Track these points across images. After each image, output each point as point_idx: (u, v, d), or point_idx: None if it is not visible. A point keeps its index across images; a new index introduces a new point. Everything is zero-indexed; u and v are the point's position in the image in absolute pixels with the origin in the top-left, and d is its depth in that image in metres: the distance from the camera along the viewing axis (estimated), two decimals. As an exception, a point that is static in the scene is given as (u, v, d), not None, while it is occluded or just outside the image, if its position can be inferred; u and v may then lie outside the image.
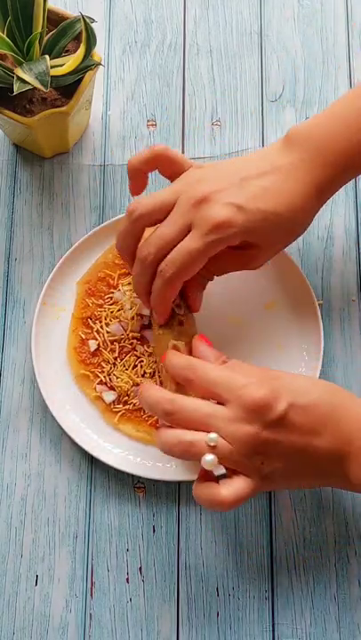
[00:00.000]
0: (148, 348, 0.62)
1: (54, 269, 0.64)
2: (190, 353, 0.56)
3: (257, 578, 0.60)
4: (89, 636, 0.59)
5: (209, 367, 0.52)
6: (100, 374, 0.62)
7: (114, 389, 0.62)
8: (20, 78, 0.57)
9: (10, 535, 0.61)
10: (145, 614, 0.59)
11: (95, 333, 0.63)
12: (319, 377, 0.62)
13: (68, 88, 0.62)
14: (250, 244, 0.54)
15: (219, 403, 0.51)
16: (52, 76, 0.58)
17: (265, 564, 0.60)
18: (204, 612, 0.59)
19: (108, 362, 0.62)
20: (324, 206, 0.67)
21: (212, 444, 0.49)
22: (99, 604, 0.60)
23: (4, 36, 0.58)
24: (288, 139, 0.55)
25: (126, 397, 0.61)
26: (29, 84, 0.56)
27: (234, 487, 0.49)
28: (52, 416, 0.61)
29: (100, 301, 0.64)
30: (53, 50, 0.61)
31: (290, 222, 0.54)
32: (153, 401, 0.52)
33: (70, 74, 0.60)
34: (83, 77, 0.61)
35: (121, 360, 0.62)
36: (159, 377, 0.61)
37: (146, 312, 0.62)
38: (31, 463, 0.62)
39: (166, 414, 0.51)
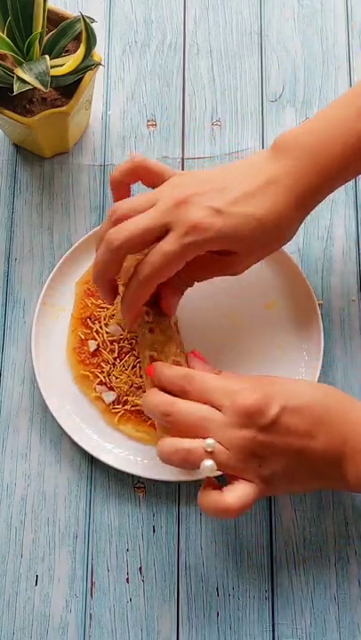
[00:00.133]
0: None
1: (54, 269, 0.64)
2: (167, 361, 0.56)
3: (257, 578, 0.60)
4: (89, 636, 0.59)
5: (207, 376, 0.53)
6: (99, 374, 0.62)
7: (113, 390, 0.62)
8: (20, 78, 0.57)
9: (10, 535, 0.61)
10: (145, 614, 0.59)
11: (94, 334, 0.63)
12: (319, 377, 0.62)
13: (68, 88, 0.62)
14: (228, 250, 0.54)
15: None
16: (52, 76, 0.58)
17: (265, 564, 0.60)
18: (204, 612, 0.59)
19: (108, 362, 0.62)
20: (324, 206, 0.68)
21: (209, 449, 0.49)
22: (99, 604, 0.60)
23: (4, 36, 0.58)
24: (275, 147, 0.55)
25: (126, 397, 0.61)
26: (29, 83, 0.56)
27: (238, 493, 0.49)
28: (52, 416, 0.61)
29: (99, 301, 0.64)
30: (53, 50, 0.61)
31: (271, 229, 0.54)
32: (152, 404, 0.52)
33: (70, 74, 0.60)
34: (83, 77, 0.61)
35: (120, 360, 0.62)
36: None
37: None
38: (31, 463, 0.62)
39: (164, 415, 0.51)
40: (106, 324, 0.63)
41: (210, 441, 0.49)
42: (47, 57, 0.57)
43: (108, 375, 0.62)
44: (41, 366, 0.62)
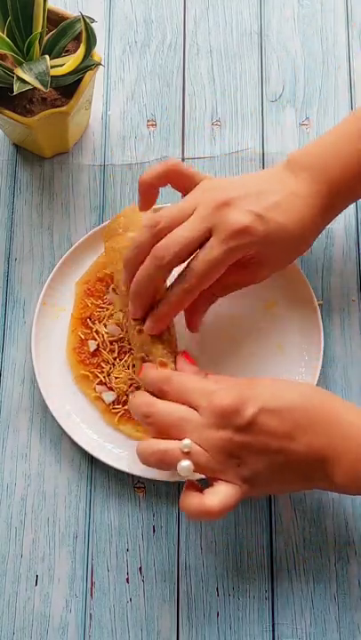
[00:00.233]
0: None
1: (54, 269, 0.64)
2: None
3: (257, 578, 0.60)
4: (89, 636, 0.59)
5: (186, 377, 0.53)
6: (99, 374, 0.62)
7: (113, 390, 0.62)
8: (20, 78, 0.57)
9: (10, 535, 0.61)
10: (145, 614, 0.59)
11: (94, 334, 0.63)
12: (319, 377, 0.62)
13: (68, 88, 0.62)
14: (258, 258, 0.55)
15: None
16: (52, 76, 0.58)
17: (265, 564, 0.60)
18: (204, 612, 0.59)
19: (108, 362, 0.62)
20: (324, 206, 0.68)
21: (185, 450, 0.49)
22: (99, 604, 0.60)
23: (4, 36, 0.58)
24: (290, 163, 0.56)
25: (125, 397, 0.61)
26: (29, 83, 0.56)
27: (219, 495, 0.49)
28: (52, 416, 0.61)
29: (99, 301, 0.64)
30: (53, 50, 0.61)
31: (298, 239, 0.55)
32: (135, 405, 0.53)
33: (70, 74, 0.60)
34: (83, 77, 0.61)
35: (120, 360, 0.62)
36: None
37: None
38: (31, 463, 0.62)
39: (144, 416, 0.52)
40: (104, 325, 0.63)
41: (186, 441, 0.49)
42: (47, 57, 0.57)
43: (108, 375, 0.62)
44: (41, 366, 0.62)
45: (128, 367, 0.62)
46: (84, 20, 0.57)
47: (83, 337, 0.63)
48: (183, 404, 0.52)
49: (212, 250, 0.52)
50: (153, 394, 0.54)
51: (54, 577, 0.60)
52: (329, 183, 0.55)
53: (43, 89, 0.56)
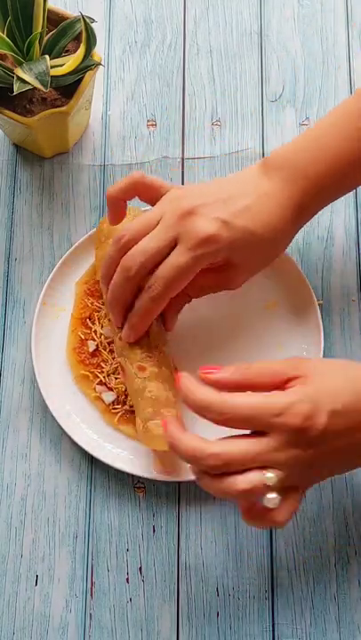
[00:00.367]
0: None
1: (54, 269, 0.64)
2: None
3: (257, 578, 0.60)
4: (89, 636, 0.59)
5: (232, 402, 0.47)
6: (99, 375, 0.62)
7: (113, 390, 0.62)
8: (20, 78, 0.57)
9: (10, 535, 0.61)
10: (145, 614, 0.59)
11: (93, 334, 0.63)
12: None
13: (68, 88, 0.62)
14: (229, 263, 0.54)
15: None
16: (52, 76, 0.58)
17: (265, 564, 0.60)
18: (204, 612, 0.59)
19: (108, 362, 0.62)
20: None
21: (271, 483, 0.46)
22: (99, 604, 0.60)
23: (4, 36, 0.58)
24: (265, 165, 0.55)
25: (124, 397, 0.61)
26: (29, 83, 0.56)
27: (287, 509, 0.48)
28: (52, 416, 0.61)
29: (99, 302, 0.64)
30: (53, 50, 0.61)
31: (269, 243, 0.54)
32: (191, 456, 0.47)
33: (70, 74, 0.60)
34: (83, 77, 0.61)
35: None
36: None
37: None
38: (31, 463, 0.62)
39: (214, 469, 0.47)
40: (101, 325, 0.63)
41: (270, 475, 0.46)
42: (47, 57, 0.57)
43: (108, 375, 0.62)
44: (41, 366, 0.62)
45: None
46: (84, 20, 0.57)
47: (83, 337, 0.63)
48: (246, 429, 0.48)
49: (177, 258, 0.52)
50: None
51: (54, 577, 0.60)
52: (305, 183, 0.54)
53: (43, 89, 0.56)
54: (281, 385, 0.48)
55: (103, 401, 0.62)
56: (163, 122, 0.71)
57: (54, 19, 0.63)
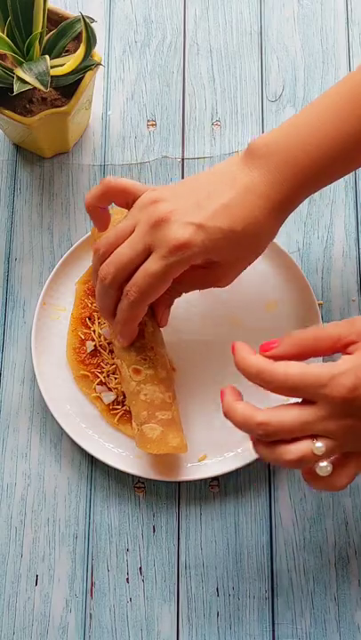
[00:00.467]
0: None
1: (54, 269, 0.64)
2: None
3: (257, 578, 0.60)
4: (89, 636, 0.59)
5: (279, 373, 0.48)
6: (99, 375, 0.62)
7: (112, 390, 0.62)
8: (20, 78, 0.57)
9: (10, 535, 0.61)
10: (145, 614, 0.59)
11: (93, 334, 0.63)
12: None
13: (68, 88, 0.62)
14: (214, 262, 0.54)
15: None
16: (52, 76, 0.58)
17: (265, 564, 0.60)
18: (204, 612, 0.59)
19: (107, 363, 0.62)
20: (324, 206, 0.68)
21: (319, 453, 0.47)
22: (99, 604, 0.60)
23: (4, 36, 0.58)
24: (248, 154, 0.54)
25: (123, 398, 0.61)
26: (29, 84, 0.56)
27: (346, 474, 0.48)
28: (52, 416, 0.61)
29: None
30: (53, 50, 0.61)
31: (251, 238, 0.53)
32: (243, 425, 0.49)
33: (70, 74, 0.60)
34: (83, 77, 0.61)
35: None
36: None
37: None
38: (31, 463, 0.62)
39: (265, 437, 0.48)
40: (100, 325, 0.63)
41: (319, 445, 0.47)
42: (47, 57, 0.57)
43: (108, 376, 0.62)
44: (41, 366, 0.62)
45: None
46: (84, 20, 0.57)
47: (83, 337, 0.63)
48: (293, 397, 0.49)
49: (152, 265, 0.51)
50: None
51: (54, 577, 0.60)
52: (290, 170, 0.53)
53: (43, 89, 0.56)
54: (342, 349, 0.49)
55: (103, 401, 0.62)
56: (163, 122, 0.71)
57: (54, 19, 0.63)
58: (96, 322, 0.63)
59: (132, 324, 0.55)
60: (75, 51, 0.63)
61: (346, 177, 0.69)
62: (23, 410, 0.63)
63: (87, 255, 0.65)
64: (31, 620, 0.59)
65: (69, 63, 0.60)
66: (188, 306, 0.63)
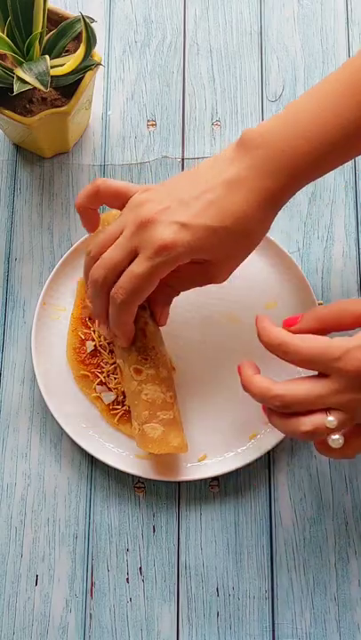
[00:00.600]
0: None
1: (54, 269, 0.64)
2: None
3: (257, 578, 0.60)
4: (89, 636, 0.59)
5: (296, 345, 0.50)
6: (99, 375, 0.62)
7: (112, 390, 0.62)
8: (20, 78, 0.57)
9: (10, 535, 0.61)
10: (145, 614, 0.59)
11: (93, 334, 0.63)
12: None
13: (68, 88, 0.62)
14: (206, 260, 0.53)
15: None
16: (52, 76, 0.58)
17: (265, 564, 0.60)
18: (204, 612, 0.59)
19: (107, 362, 0.62)
20: (324, 206, 0.68)
21: (332, 426, 0.49)
22: (99, 604, 0.60)
23: (4, 36, 0.58)
24: (241, 144, 0.53)
25: (123, 398, 0.61)
26: (29, 84, 0.56)
27: (357, 444, 0.50)
28: (52, 416, 0.61)
29: None
30: (53, 50, 0.61)
31: (241, 234, 0.52)
32: (259, 395, 0.51)
33: (70, 74, 0.60)
34: (83, 77, 0.61)
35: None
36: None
37: None
38: (31, 463, 0.62)
39: (280, 408, 0.50)
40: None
41: (331, 418, 0.49)
42: (47, 57, 0.57)
43: (108, 376, 0.62)
44: (41, 366, 0.62)
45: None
46: (84, 20, 0.57)
47: (83, 337, 0.63)
48: (309, 369, 0.51)
49: (137, 267, 0.51)
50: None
51: (54, 577, 0.60)
52: (291, 158, 0.51)
53: (43, 89, 0.56)
54: None
55: (103, 401, 0.62)
56: (163, 122, 0.71)
57: (54, 19, 0.63)
58: (96, 322, 0.63)
59: (124, 325, 0.55)
60: (75, 51, 0.63)
61: (346, 177, 0.69)
62: (23, 410, 0.63)
63: (87, 255, 0.65)
64: (31, 620, 0.59)
65: (69, 63, 0.60)
66: (187, 305, 0.63)
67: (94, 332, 0.63)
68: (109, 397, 0.62)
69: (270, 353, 0.53)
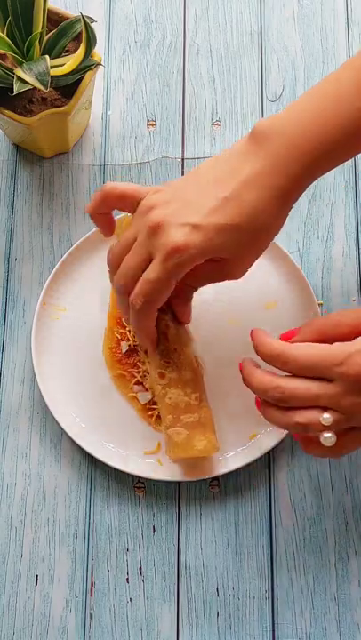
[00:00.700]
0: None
1: (54, 269, 0.64)
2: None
3: (257, 578, 0.60)
4: (89, 636, 0.59)
5: (296, 354, 0.50)
6: (136, 374, 0.62)
7: (148, 390, 0.62)
8: (20, 78, 0.57)
9: (10, 535, 0.61)
10: (145, 614, 0.59)
11: (128, 334, 0.63)
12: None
13: (68, 88, 0.62)
14: (219, 259, 0.53)
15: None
16: (52, 76, 0.58)
17: (265, 564, 0.60)
18: (204, 612, 0.59)
19: (143, 362, 0.62)
20: (324, 206, 0.68)
21: (326, 423, 0.49)
22: (99, 604, 0.60)
23: (4, 36, 0.58)
24: (252, 137, 0.52)
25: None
26: (29, 84, 0.56)
27: (345, 446, 0.51)
28: (52, 416, 0.61)
29: None
30: (53, 50, 0.61)
31: (255, 230, 0.52)
32: (260, 387, 0.51)
33: (70, 74, 0.60)
34: (83, 77, 0.61)
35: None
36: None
37: None
38: (31, 463, 0.62)
39: (279, 401, 0.51)
40: None
41: (326, 416, 0.49)
42: (47, 57, 0.57)
43: (144, 376, 0.62)
44: (41, 366, 0.62)
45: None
46: (84, 20, 0.57)
47: (119, 337, 0.63)
48: (310, 376, 0.50)
49: (152, 272, 0.51)
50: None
51: (54, 577, 0.60)
52: (294, 150, 0.51)
53: (43, 89, 0.56)
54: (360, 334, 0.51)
55: (139, 400, 0.62)
56: (163, 122, 0.71)
57: (54, 19, 0.63)
58: None
59: (146, 330, 0.55)
60: (75, 51, 0.63)
61: (346, 177, 0.69)
62: (23, 410, 0.63)
63: (87, 255, 0.65)
64: (31, 620, 0.59)
65: (69, 63, 0.60)
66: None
67: (129, 332, 0.63)
68: (145, 397, 0.62)
69: (260, 359, 0.53)
